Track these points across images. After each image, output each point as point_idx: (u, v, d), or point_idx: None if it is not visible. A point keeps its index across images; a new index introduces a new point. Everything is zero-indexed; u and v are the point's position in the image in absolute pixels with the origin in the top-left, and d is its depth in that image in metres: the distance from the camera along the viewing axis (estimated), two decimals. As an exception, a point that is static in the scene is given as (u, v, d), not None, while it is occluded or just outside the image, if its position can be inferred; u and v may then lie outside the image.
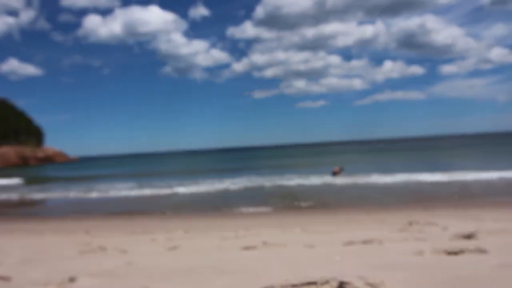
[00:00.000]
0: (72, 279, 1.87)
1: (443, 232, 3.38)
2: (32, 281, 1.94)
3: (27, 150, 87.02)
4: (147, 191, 16.42)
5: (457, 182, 13.68)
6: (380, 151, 50.30)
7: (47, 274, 2.11)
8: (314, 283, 1.47)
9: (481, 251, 1.96)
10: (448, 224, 4.17)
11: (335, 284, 1.45)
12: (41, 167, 64.41)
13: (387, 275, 1.58)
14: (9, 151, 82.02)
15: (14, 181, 25.22)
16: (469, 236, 2.65)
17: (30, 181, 25.46)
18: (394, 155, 36.89)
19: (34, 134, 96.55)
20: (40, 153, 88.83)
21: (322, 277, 1.50)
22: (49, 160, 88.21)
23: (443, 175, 15.80)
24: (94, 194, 16.75)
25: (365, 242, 2.71)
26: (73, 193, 17.65)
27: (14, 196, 17.76)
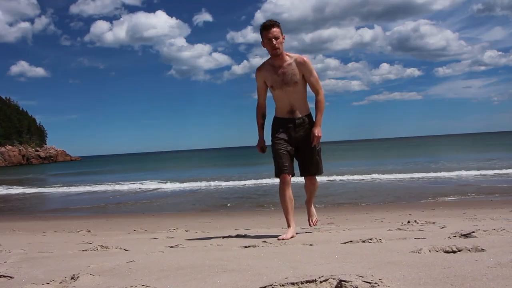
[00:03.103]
0: (73, 277, 1.88)
1: (441, 231, 3.39)
2: (33, 280, 1.95)
3: (30, 150, 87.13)
4: (147, 190, 16.45)
5: (455, 181, 13.66)
6: (378, 150, 50.24)
7: (48, 272, 2.13)
8: (313, 281, 1.48)
9: (479, 249, 1.97)
10: (447, 223, 4.18)
11: (334, 282, 1.46)
12: (44, 166, 64.49)
13: (385, 273, 1.59)
14: (12, 150, 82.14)
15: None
16: (467, 235, 2.66)
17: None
18: (392, 154, 36.87)
19: (37, 134, 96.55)
20: (42, 153, 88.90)
21: (321, 276, 1.51)
22: (51, 159, 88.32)
23: (442, 174, 15.79)
24: (95, 193, 16.79)
25: (364, 240, 2.72)
26: (76, 191, 17.68)
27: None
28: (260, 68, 3.38)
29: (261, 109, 3.48)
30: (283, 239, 3.09)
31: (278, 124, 3.36)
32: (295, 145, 3.32)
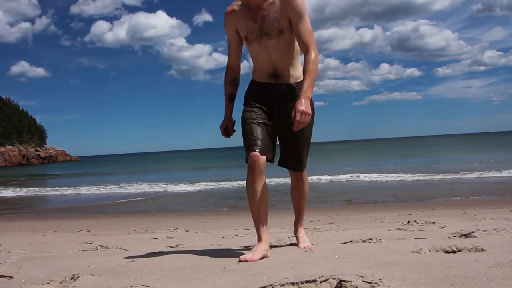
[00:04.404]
0: (73, 277, 1.88)
1: (441, 231, 3.39)
2: (33, 280, 1.95)
3: (30, 150, 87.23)
4: (147, 190, 16.44)
5: (455, 181, 13.66)
6: (378, 150, 50.22)
7: (48, 272, 2.13)
8: (313, 281, 1.48)
9: (479, 249, 1.97)
10: (447, 223, 4.19)
11: (334, 282, 1.45)
12: (44, 166, 64.49)
13: (385, 273, 1.59)
14: (12, 150, 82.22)
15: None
16: (467, 235, 2.66)
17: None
18: (392, 154, 36.85)
19: (37, 134, 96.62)
20: (42, 153, 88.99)
21: (321, 276, 1.50)
22: (52, 159, 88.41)
23: (442, 174, 15.79)
24: (95, 193, 16.79)
25: (364, 240, 2.72)
26: (76, 191, 17.68)
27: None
28: (230, 11, 2.25)
29: (231, 72, 2.40)
30: (246, 261, 2.06)
31: (256, 89, 2.33)
32: (277, 121, 2.30)
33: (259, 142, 2.15)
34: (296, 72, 2.29)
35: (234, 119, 2.42)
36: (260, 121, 2.23)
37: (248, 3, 2.18)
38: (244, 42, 2.30)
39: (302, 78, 2.22)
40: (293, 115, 2.02)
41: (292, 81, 2.28)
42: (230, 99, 2.40)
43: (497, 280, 1.40)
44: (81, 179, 25.97)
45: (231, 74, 2.40)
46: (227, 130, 2.40)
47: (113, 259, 2.48)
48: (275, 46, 2.18)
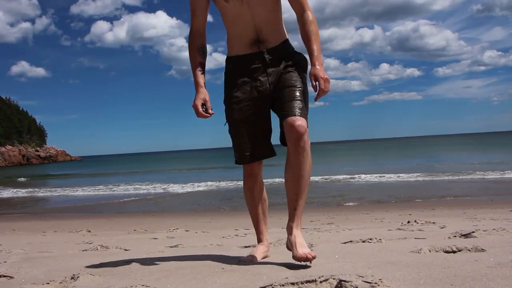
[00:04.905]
0: (73, 277, 1.88)
1: (441, 231, 3.40)
2: (33, 280, 1.95)
3: (30, 150, 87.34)
4: (147, 190, 16.45)
5: (455, 181, 13.67)
6: (378, 150, 50.22)
7: (49, 272, 2.13)
8: (313, 281, 1.48)
9: (479, 249, 1.97)
10: (447, 223, 4.19)
11: (334, 282, 1.46)
12: (44, 166, 64.50)
13: (385, 273, 1.59)
14: (12, 150, 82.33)
15: None
16: (467, 235, 2.66)
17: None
18: (392, 154, 36.86)
19: (37, 134, 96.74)
20: (42, 153, 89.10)
21: (321, 276, 1.50)
22: (52, 159, 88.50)
23: (442, 174, 15.79)
24: (95, 193, 16.81)
25: (364, 240, 2.72)
26: (76, 191, 17.69)
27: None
28: None
29: (198, 38, 2.02)
30: (245, 262, 2.01)
31: (236, 68, 1.99)
32: (268, 94, 1.96)
33: (251, 150, 1.99)
34: (280, 34, 1.99)
35: (206, 91, 2.03)
36: (251, 119, 1.97)
37: None
38: (217, 1, 1.96)
39: (285, 38, 2.01)
40: (314, 83, 1.82)
41: (276, 43, 1.96)
42: (200, 68, 2.01)
43: (497, 280, 1.40)
44: (81, 179, 25.97)
45: (199, 40, 2.02)
46: (204, 107, 1.97)
47: (113, 259, 2.48)
48: (257, 3, 1.87)
